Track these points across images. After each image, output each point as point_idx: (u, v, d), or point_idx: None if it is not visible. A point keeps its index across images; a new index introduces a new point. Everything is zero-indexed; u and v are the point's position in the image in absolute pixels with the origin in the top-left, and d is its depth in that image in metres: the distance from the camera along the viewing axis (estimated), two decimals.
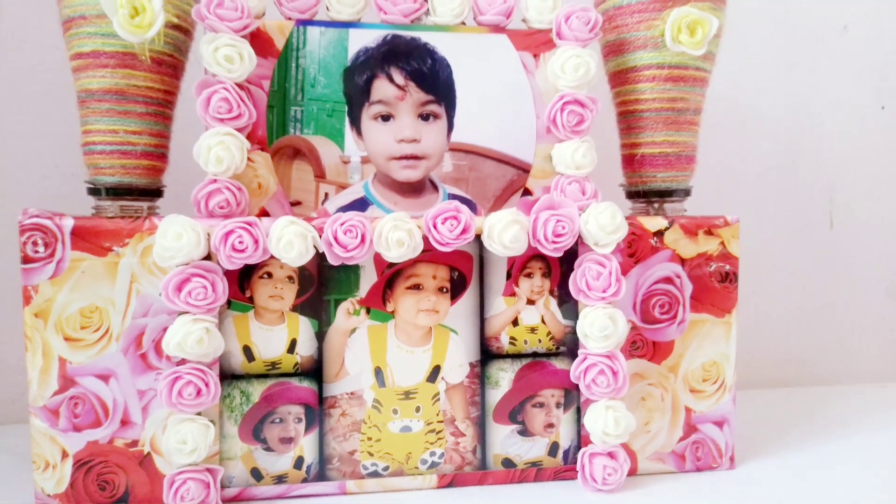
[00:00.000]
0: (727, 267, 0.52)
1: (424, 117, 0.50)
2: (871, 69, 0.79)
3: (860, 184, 0.80)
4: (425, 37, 0.50)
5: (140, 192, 0.48)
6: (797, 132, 0.79)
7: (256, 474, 0.47)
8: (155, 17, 0.43)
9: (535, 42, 0.51)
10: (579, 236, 0.48)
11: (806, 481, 0.51)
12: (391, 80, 0.50)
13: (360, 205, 0.50)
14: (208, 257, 0.45)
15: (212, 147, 0.45)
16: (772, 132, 0.78)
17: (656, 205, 0.54)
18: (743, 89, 0.77)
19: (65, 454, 0.45)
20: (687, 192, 0.55)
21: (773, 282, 0.79)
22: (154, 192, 0.49)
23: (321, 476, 0.48)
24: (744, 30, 0.76)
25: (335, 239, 0.45)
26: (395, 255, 0.45)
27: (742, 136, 0.77)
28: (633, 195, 0.55)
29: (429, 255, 0.47)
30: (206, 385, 0.44)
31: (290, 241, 0.44)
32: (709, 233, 0.51)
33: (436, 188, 0.51)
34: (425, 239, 0.46)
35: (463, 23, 0.51)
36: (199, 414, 0.44)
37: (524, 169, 0.51)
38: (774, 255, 0.79)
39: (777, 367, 0.79)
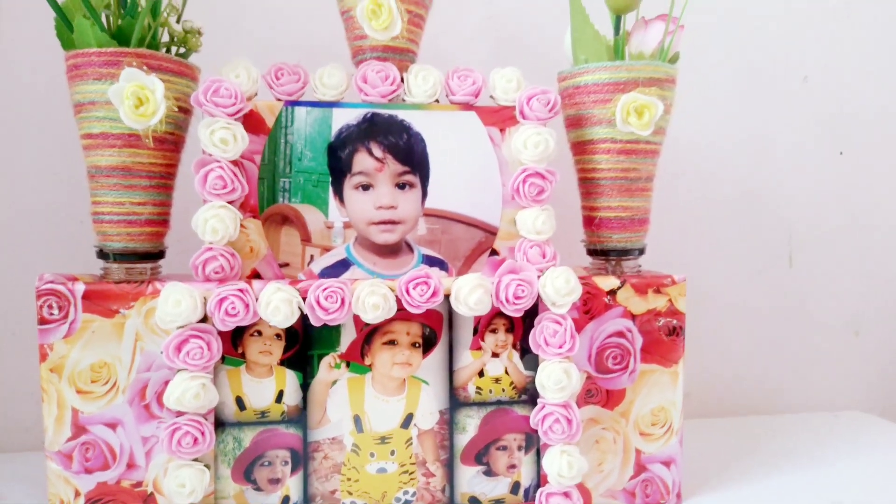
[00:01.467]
0: (674, 322, 0.57)
1: (401, 186, 0.55)
2: (830, 117, 0.84)
3: (819, 224, 0.85)
4: (402, 114, 0.55)
5: (144, 256, 0.54)
6: (759, 175, 0.84)
7: None
8: (157, 107, 0.49)
9: (502, 118, 0.56)
10: (538, 297, 0.53)
11: None
12: (371, 153, 0.55)
13: (343, 265, 0.55)
14: (205, 318, 0.50)
15: (208, 220, 0.50)
16: (735, 175, 0.83)
17: (613, 262, 0.60)
18: (707, 136, 0.82)
19: (77, 493, 0.51)
20: (641, 251, 0.60)
21: (734, 315, 0.84)
22: (156, 255, 0.55)
23: None
24: (710, 79, 0.81)
25: (317, 303, 0.50)
26: (371, 317, 0.51)
27: (706, 179, 0.82)
28: (592, 252, 0.61)
29: (403, 314, 0.52)
30: (202, 434, 0.49)
31: (276, 307, 0.49)
32: (657, 291, 0.57)
33: (411, 249, 0.56)
34: (399, 300, 0.52)
35: (437, 100, 0.56)
36: (195, 460, 0.50)
37: (491, 231, 0.57)
38: (736, 290, 0.84)
39: (736, 397, 0.85)
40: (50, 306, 0.50)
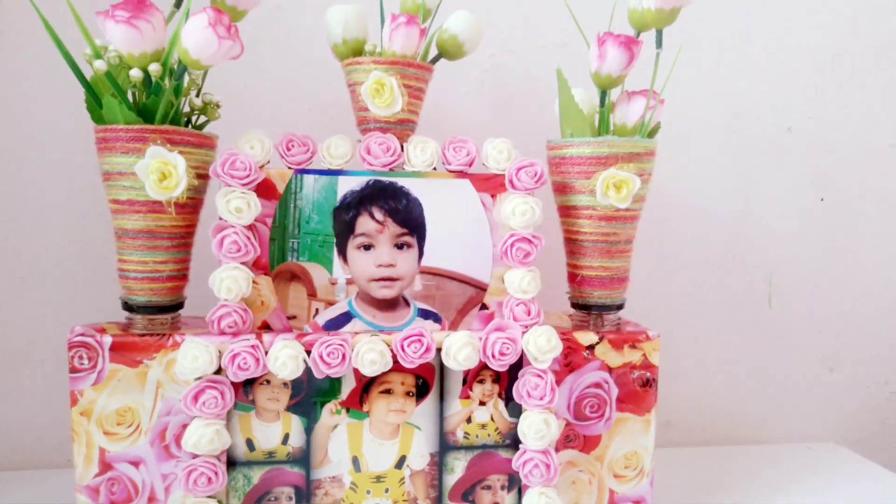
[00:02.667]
0: (648, 374, 0.62)
1: (399, 246, 0.61)
2: (813, 165, 0.89)
3: (799, 266, 0.90)
4: (401, 181, 0.60)
5: (165, 309, 0.59)
6: (743, 219, 0.88)
7: None
8: (179, 181, 0.54)
9: (493, 185, 0.61)
10: (522, 353, 0.59)
11: None
12: (372, 216, 0.60)
13: (345, 318, 0.61)
14: (219, 370, 0.56)
15: (223, 280, 0.56)
16: (720, 219, 0.88)
17: (595, 315, 0.65)
18: (695, 182, 0.87)
19: None
20: (620, 306, 0.65)
21: (717, 350, 0.89)
22: (176, 306, 0.60)
23: None
24: (699, 128, 0.86)
25: (321, 358, 0.56)
26: (369, 371, 0.56)
27: (692, 223, 0.87)
28: (576, 305, 0.66)
29: (398, 366, 0.58)
30: (216, 474, 0.55)
31: (284, 362, 0.55)
32: (633, 346, 0.62)
33: (408, 304, 0.61)
34: (395, 355, 0.57)
35: (434, 168, 0.61)
36: (209, 497, 0.56)
37: (482, 288, 0.62)
38: (719, 327, 0.89)
39: (717, 428, 0.90)
40: (80, 357, 0.55)
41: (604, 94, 0.63)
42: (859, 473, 0.81)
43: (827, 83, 0.88)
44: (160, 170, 0.53)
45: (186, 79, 0.57)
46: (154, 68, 0.53)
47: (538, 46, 0.80)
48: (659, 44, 0.60)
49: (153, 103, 0.55)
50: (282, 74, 0.77)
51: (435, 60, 0.65)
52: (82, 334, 0.56)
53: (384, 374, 0.58)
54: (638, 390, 0.62)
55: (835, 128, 0.89)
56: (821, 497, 0.74)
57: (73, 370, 0.55)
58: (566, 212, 0.63)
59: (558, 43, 0.80)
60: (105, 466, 0.56)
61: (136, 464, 0.56)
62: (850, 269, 0.91)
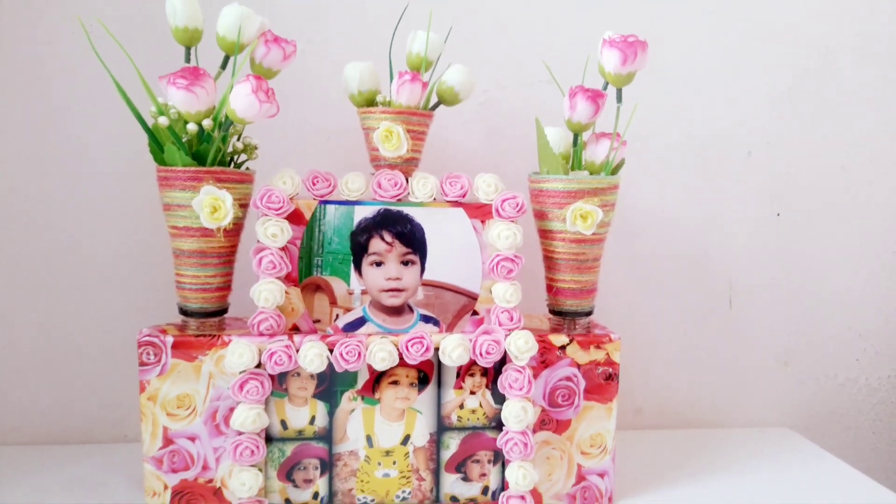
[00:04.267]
0: (610, 370, 0.75)
1: (405, 263, 0.73)
2: (770, 185, 1.00)
3: (756, 273, 1.02)
4: (407, 210, 0.73)
5: (213, 314, 0.72)
6: (706, 232, 1.00)
7: (288, 503, 0.72)
8: (227, 213, 0.67)
9: (483, 212, 0.74)
10: (505, 352, 0.72)
11: None
12: (383, 239, 0.73)
13: (360, 322, 0.74)
14: (259, 364, 0.69)
15: (262, 292, 0.69)
16: (686, 233, 1.00)
17: (568, 320, 0.77)
18: (663, 199, 0.98)
19: (165, 487, 0.70)
20: (589, 313, 0.77)
21: (684, 347, 1.02)
22: (223, 311, 0.73)
23: None
24: (666, 153, 0.98)
25: (341, 356, 0.69)
26: (380, 366, 0.69)
27: (662, 235, 0.99)
28: (552, 312, 0.78)
29: (403, 362, 0.71)
30: (257, 448, 0.69)
31: (311, 359, 0.68)
32: (598, 346, 0.75)
33: (412, 310, 0.74)
34: (401, 354, 0.70)
35: (434, 198, 0.74)
36: (252, 465, 0.69)
37: (473, 297, 0.75)
38: (685, 327, 1.01)
39: (683, 414, 1.03)
40: (147, 353, 0.69)
41: (576, 137, 0.75)
42: (807, 455, 0.93)
43: (782, 112, 0.99)
44: (212, 204, 0.66)
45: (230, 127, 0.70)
46: (207, 123, 0.66)
47: (526, 84, 0.92)
48: (619, 99, 0.73)
49: (205, 149, 0.68)
50: (306, 113, 0.90)
51: (435, 107, 0.77)
52: (149, 335, 0.69)
53: (392, 368, 0.71)
54: (602, 383, 0.75)
55: (790, 152, 1.00)
56: (771, 474, 0.86)
57: (142, 364, 0.69)
58: (544, 234, 0.76)
59: (544, 80, 0.91)
60: (167, 441, 0.70)
61: (192, 439, 0.70)
62: (802, 275, 1.03)
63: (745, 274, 1.02)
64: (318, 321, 0.73)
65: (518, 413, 0.71)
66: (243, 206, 0.72)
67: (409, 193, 0.73)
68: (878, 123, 1.01)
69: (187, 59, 0.69)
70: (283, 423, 0.71)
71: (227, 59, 0.70)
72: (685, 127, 0.98)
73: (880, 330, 1.06)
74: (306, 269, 0.72)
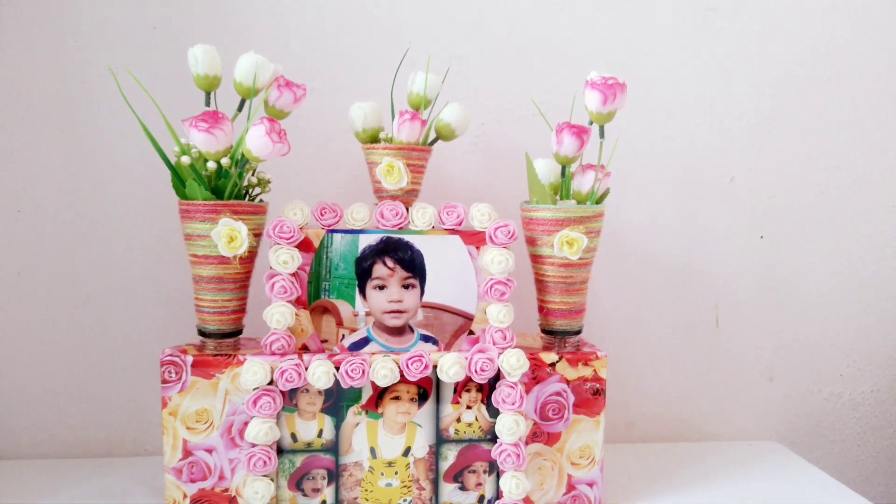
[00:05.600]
0: (597, 385, 0.80)
1: (406, 287, 0.79)
2: (753, 208, 1.06)
3: (741, 293, 1.07)
4: (407, 237, 0.79)
5: (229, 335, 0.79)
6: (693, 254, 1.05)
7: None
8: (243, 242, 0.73)
9: (477, 239, 0.80)
10: (498, 369, 0.77)
11: None
12: (385, 264, 0.79)
13: (365, 341, 0.79)
14: (271, 381, 0.75)
15: (274, 314, 0.75)
16: (674, 254, 1.05)
17: (558, 338, 0.83)
18: (653, 222, 1.04)
19: (185, 496, 0.76)
20: (578, 332, 0.83)
21: (672, 363, 1.07)
22: (238, 332, 0.80)
23: None
24: (655, 179, 1.04)
25: (346, 374, 0.75)
26: (382, 383, 0.75)
27: (651, 257, 1.05)
28: (544, 331, 0.84)
29: (405, 379, 0.77)
30: (269, 459, 0.74)
31: (319, 376, 0.74)
32: (585, 364, 0.80)
33: (412, 330, 0.80)
34: (402, 371, 0.76)
35: (433, 227, 0.80)
36: (264, 475, 0.75)
37: (469, 318, 0.80)
38: (673, 343, 1.07)
39: (672, 428, 1.08)
40: (169, 371, 0.75)
41: (564, 168, 0.81)
42: (793, 467, 0.98)
43: (764, 140, 1.05)
44: (229, 234, 0.73)
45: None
46: (225, 161, 0.73)
47: (521, 117, 0.99)
48: (601, 135, 0.79)
49: (223, 184, 0.75)
50: (315, 149, 0.97)
51: (433, 142, 0.83)
52: (171, 355, 0.75)
53: (394, 384, 0.77)
54: (590, 398, 0.81)
55: (771, 178, 1.06)
56: (758, 485, 0.91)
57: (164, 381, 0.75)
58: (535, 259, 0.82)
59: (536, 113, 0.98)
60: (186, 453, 0.76)
61: (209, 451, 0.76)
62: (785, 295, 1.08)
63: (731, 293, 1.07)
64: (325, 341, 0.79)
65: (511, 426, 0.76)
66: (257, 235, 0.78)
67: (409, 222, 0.79)
68: (853, 149, 1.07)
69: (207, 103, 0.76)
70: (293, 436, 0.77)
71: (243, 102, 0.77)
72: (671, 155, 1.04)
73: (862, 346, 1.11)
74: (315, 293, 0.78)
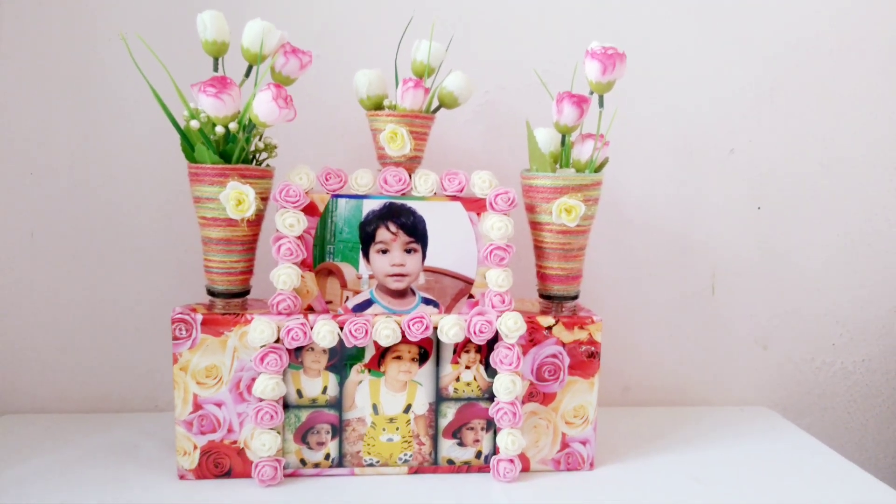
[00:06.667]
0: (592, 348, 0.83)
1: (408, 251, 0.82)
2: (751, 180, 1.08)
3: (738, 262, 1.09)
4: (410, 203, 0.81)
5: (237, 294, 0.81)
6: (691, 224, 1.07)
7: (303, 462, 0.81)
8: (250, 205, 0.75)
9: (478, 206, 0.82)
10: (497, 331, 0.80)
11: (641, 479, 0.83)
12: (388, 229, 0.81)
13: (368, 303, 0.82)
14: (278, 340, 0.78)
15: (280, 275, 0.78)
16: (672, 223, 1.07)
17: (555, 303, 0.86)
18: (652, 193, 1.06)
19: (195, 447, 0.79)
20: (575, 297, 0.85)
21: (669, 330, 1.10)
22: (245, 293, 0.82)
23: (340, 464, 0.82)
24: (655, 150, 1.05)
25: (350, 333, 0.77)
26: (384, 342, 0.78)
27: (650, 226, 1.07)
28: (542, 296, 0.87)
29: (406, 339, 0.79)
30: (276, 413, 0.78)
31: (324, 335, 0.77)
32: (581, 327, 0.83)
33: (414, 293, 0.83)
34: (403, 332, 0.79)
35: (435, 193, 0.82)
36: (271, 429, 0.78)
37: (469, 282, 0.83)
38: (670, 311, 1.09)
39: (667, 393, 1.11)
40: (180, 329, 0.78)
41: (564, 137, 0.83)
42: (783, 432, 1.00)
43: (764, 112, 1.06)
44: (237, 197, 0.75)
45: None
46: (233, 126, 0.75)
47: (523, 86, 1.00)
48: (601, 105, 0.80)
49: (231, 149, 0.77)
50: (321, 116, 0.98)
51: (436, 110, 0.85)
52: (181, 313, 0.78)
53: (396, 344, 0.80)
54: (584, 360, 0.83)
55: (770, 149, 1.07)
56: (748, 448, 0.93)
57: (175, 338, 0.78)
58: (534, 226, 0.84)
59: (538, 83, 0.99)
60: (197, 406, 0.79)
61: (219, 405, 0.79)
62: (781, 264, 1.10)
63: (728, 262, 1.09)
64: (330, 302, 0.81)
65: (508, 386, 0.79)
66: (264, 199, 0.81)
67: (412, 188, 0.81)
68: (853, 122, 1.08)
69: (215, 69, 0.78)
70: (299, 392, 0.80)
71: (250, 68, 0.79)
72: (672, 125, 1.05)
73: (855, 316, 1.13)
74: (320, 256, 0.81)
